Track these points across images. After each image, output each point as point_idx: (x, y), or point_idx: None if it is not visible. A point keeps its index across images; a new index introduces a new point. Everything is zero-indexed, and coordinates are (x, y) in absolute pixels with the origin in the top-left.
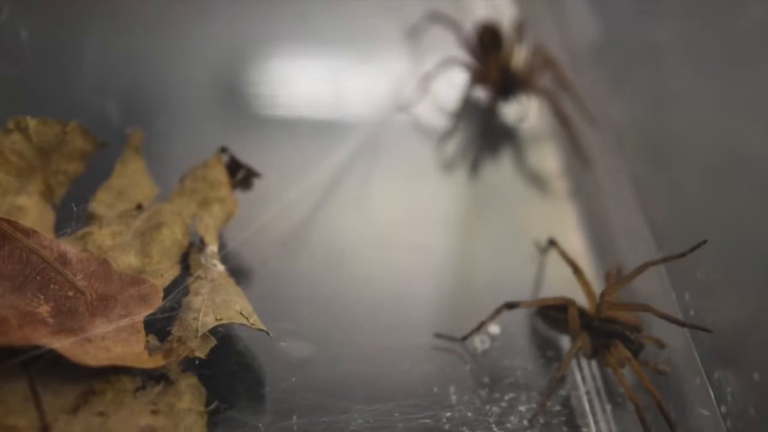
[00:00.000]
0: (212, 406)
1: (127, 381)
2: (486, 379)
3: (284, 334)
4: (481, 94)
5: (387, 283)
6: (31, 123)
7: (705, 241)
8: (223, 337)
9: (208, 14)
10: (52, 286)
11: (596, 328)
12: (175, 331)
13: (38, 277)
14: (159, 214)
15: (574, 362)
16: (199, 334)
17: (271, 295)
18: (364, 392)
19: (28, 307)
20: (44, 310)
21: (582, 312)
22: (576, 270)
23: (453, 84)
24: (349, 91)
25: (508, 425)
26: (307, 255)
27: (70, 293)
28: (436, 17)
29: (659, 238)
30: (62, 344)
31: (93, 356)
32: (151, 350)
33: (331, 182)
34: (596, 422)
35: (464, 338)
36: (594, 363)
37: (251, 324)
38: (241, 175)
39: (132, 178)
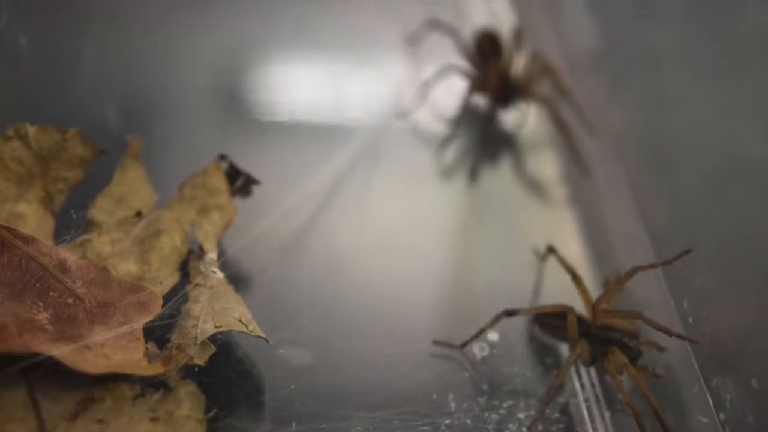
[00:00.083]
0: (211, 414)
1: (127, 388)
2: (485, 387)
3: (283, 341)
4: (481, 101)
5: (386, 290)
6: (31, 130)
7: (689, 250)
8: (223, 345)
9: (207, 20)
10: (51, 294)
11: (594, 335)
12: (175, 338)
13: (37, 285)
14: (158, 222)
15: (572, 369)
16: (199, 342)
17: (270, 302)
18: (363, 399)
19: (27, 315)
20: (43, 317)
21: (580, 319)
22: (575, 277)
23: (452, 91)
24: (349, 96)
25: None
26: (306, 262)
27: (70, 300)
28: (435, 24)
29: (658, 244)
30: (61, 351)
31: (92, 363)
32: (150, 357)
33: (330, 188)
34: (595, 429)
35: (463, 345)
36: (593, 370)
37: (250, 331)
38: (240, 183)
39: (131, 186)
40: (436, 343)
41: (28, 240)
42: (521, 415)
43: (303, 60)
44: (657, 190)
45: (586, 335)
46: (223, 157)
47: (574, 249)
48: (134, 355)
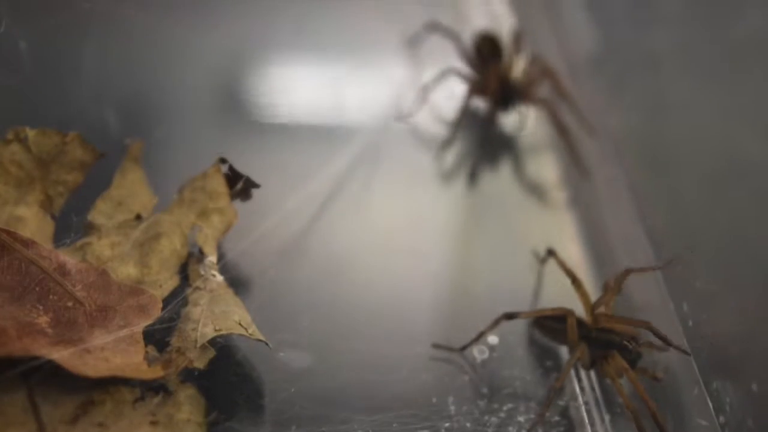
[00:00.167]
0: (211, 417)
1: (127, 392)
2: (485, 390)
3: (283, 344)
4: (480, 103)
5: (386, 293)
6: (31, 133)
7: (672, 261)
8: (222, 348)
9: (207, 22)
10: (51, 297)
11: (594, 338)
12: (174, 341)
13: (37, 288)
14: (158, 225)
15: (572, 372)
16: (198, 345)
17: (270, 304)
18: (363, 402)
19: (27, 318)
20: (43, 320)
21: (580, 323)
22: (574, 280)
23: (452, 94)
24: (348, 99)
25: None
26: (306, 264)
27: (69, 304)
28: (435, 27)
29: (658, 247)
30: (61, 355)
31: (92, 367)
32: (150, 361)
33: (330, 191)
34: None
35: (463, 348)
36: (592, 373)
37: (250, 334)
38: (240, 186)
39: (131, 189)
40: (436, 346)
41: (27, 243)
42: (521, 418)
43: (303, 62)
44: (656, 193)
45: (586, 338)
46: (223, 160)
47: (573, 251)
48: (134, 359)
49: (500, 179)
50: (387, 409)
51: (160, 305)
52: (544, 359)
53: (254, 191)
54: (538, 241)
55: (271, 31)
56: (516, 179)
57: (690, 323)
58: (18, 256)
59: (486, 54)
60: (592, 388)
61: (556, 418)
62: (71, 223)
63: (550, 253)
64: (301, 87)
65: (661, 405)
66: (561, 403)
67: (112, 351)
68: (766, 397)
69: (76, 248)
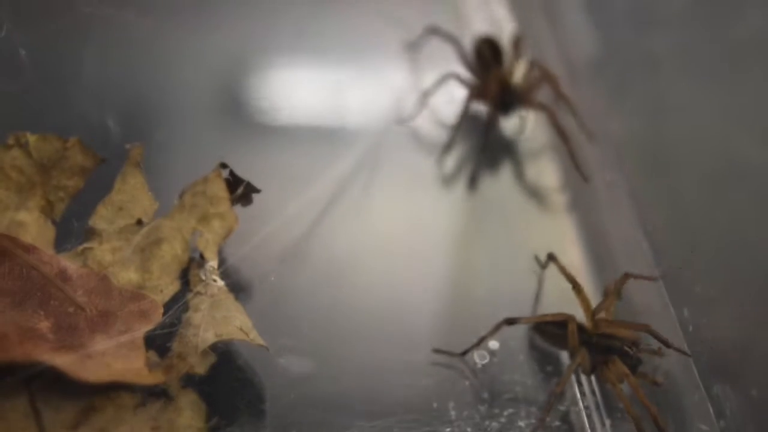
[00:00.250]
0: (212, 423)
1: (128, 397)
2: (485, 395)
3: (284, 349)
4: (481, 107)
5: (386, 298)
6: (32, 139)
7: (658, 277)
8: (223, 353)
9: (207, 26)
10: (52, 302)
11: (595, 344)
12: (175, 347)
13: (38, 293)
14: (159, 230)
15: (573, 377)
16: (199, 350)
17: (270, 310)
18: (363, 407)
19: (28, 323)
20: (44, 326)
21: (581, 328)
22: (575, 286)
23: (453, 98)
24: (349, 102)
25: None
26: (307, 270)
27: (71, 309)
28: (435, 31)
29: (657, 251)
30: (63, 360)
31: (93, 372)
32: (151, 366)
33: (330, 195)
34: None
35: (464, 353)
36: (593, 378)
37: (251, 340)
38: (240, 191)
39: (132, 194)
40: (437, 351)
41: (29, 249)
42: (522, 423)
43: (303, 66)
44: (657, 197)
45: (587, 344)
46: (223, 165)
47: (574, 255)
48: (135, 364)
49: (501, 184)
50: (388, 414)
51: (161, 310)
52: (545, 364)
53: (255, 196)
54: (538, 245)
55: (272, 35)
56: (516, 183)
57: (690, 328)
58: (19, 261)
59: (486, 58)
60: (593, 393)
61: (557, 423)
62: (72, 228)
63: (551, 258)
64: (301, 91)
65: (662, 410)
66: (562, 408)
67: (114, 356)
68: (766, 402)
69: (77, 253)
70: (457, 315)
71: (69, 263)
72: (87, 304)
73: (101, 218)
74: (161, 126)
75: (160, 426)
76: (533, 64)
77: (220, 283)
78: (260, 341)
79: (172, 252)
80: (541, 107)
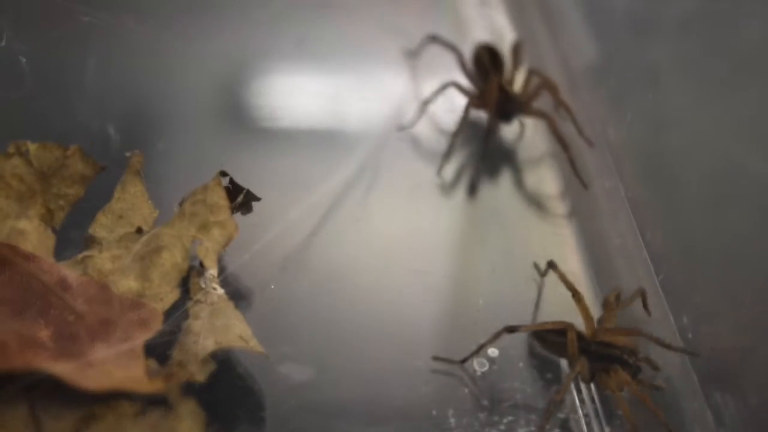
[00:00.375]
0: (212, 430)
1: (128, 405)
2: (485, 402)
3: (284, 357)
4: (481, 115)
5: (386, 305)
6: (32, 147)
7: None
8: (223, 361)
9: (207, 34)
10: (52, 311)
11: (594, 352)
12: (175, 355)
13: (39, 302)
14: (159, 238)
15: (572, 385)
16: (199, 358)
17: (270, 318)
18: (363, 415)
19: (28, 332)
20: (45, 334)
21: (580, 336)
22: (575, 294)
23: (453, 106)
24: (350, 110)
25: None
26: (307, 277)
27: (71, 318)
28: (435, 40)
29: (657, 260)
30: (63, 369)
31: (93, 381)
32: (151, 374)
33: (330, 203)
34: None
35: (463, 361)
36: (593, 385)
37: (251, 347)
38: (240, 199)
39: (132, 202)
40: (436, 358)
41: (29, 257)
42: (521, 431)
43: (303, 73)
44: (657, 205)
45: (586, 352)
46: (223, 173)
47: (573, 263)
48: (135, 372)
49: (500, 191)
50: (387, 421)
51: (161, 319)
52: (545, 372)
53: (255, 204)
54: (538, 253)
55: (272, 42)
56: (516, 191)
57: (690, 336)
58: (19, 270)
59: (485, 66)
60: (592, 401)
61: (556, 430)
62: (72, 236)
63: (551, 265)
64: (301, 98)
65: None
66: (561, 415)
67: (113, 364)
68: (765, 410)
69: (77, 261)
70: (456, 322)
71: (69, 271)
72: (87, 313)
73: (101, 226)
74: (161, 134)
75: None
76: (533, 72)
77: (220, 291)
78: (260, 349)
79: (172, 260)
80: (541, 115)
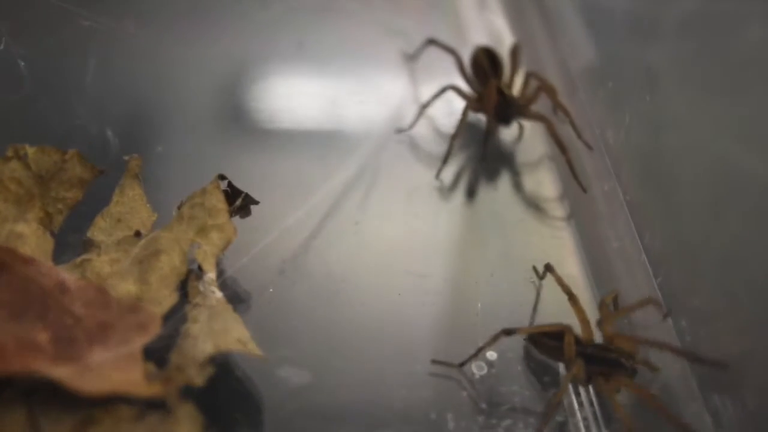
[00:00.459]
0: None
1: (126, 409)
2: (483, 405)
3: (282, 360)
4: (479, 118)
5: (385, 308)
6: (30, 151)
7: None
8: (221, 365)
9: (207, 38)
10: (50, 314)
11: (590, 355)
12: (174, 358)
13: (37, 305)
14: (157, 242)
15: (570, 388)
16: (198, 362)
17: (269, 321)
18: (362, 419)
19: (27, 335)
20: (43, 338)
21: (577, 339)
22: (571, 297)
23: (452, 110)
24: (349, 114)
25: None
26: (305, 281)
27: (69, 321)
28: (434, 43)
29: (655, 263)
30: (61, 372)
31: (92, 384)
32: (149, 378)
33: (328, 206)
34: None
35: (462, 364)
36: (591, 388)
37: (249, 351)
38: (239, 202)
39: (130, 205)
40: (435, 362)
41: (27, 261)
42: None
43: (302, 76)
44: (655, 208)
45: (582, 355)
46: (222, 177)
47: (572, 266)
48: (133, 376)
49: (499, 194)
50: (386, 425)
51: (160, 322)
52: (543, 375)
53: (253, 207)
54: (536, 255)
55: (272, 46)
56: (515, 194)
57: (688, 338)
58: (18, 273)
59: (484, 69)
60: (591, 404)
61: None
62: (71, 240)
63: (548, 268)
64: (300, 101)
65: (660, 420)
66: (560, 418)
67: (112, 368)
68: (764, 413)
69: (76, 265)
70: (455, 325)
71: (67, 275)
72: (85, 316)
73: (100, 230)
74: (160, 137)
75: None
76: (531, 75)
77: (219, 294)
78: (259, 352)
79: (170, 264)
80: (540, 118)
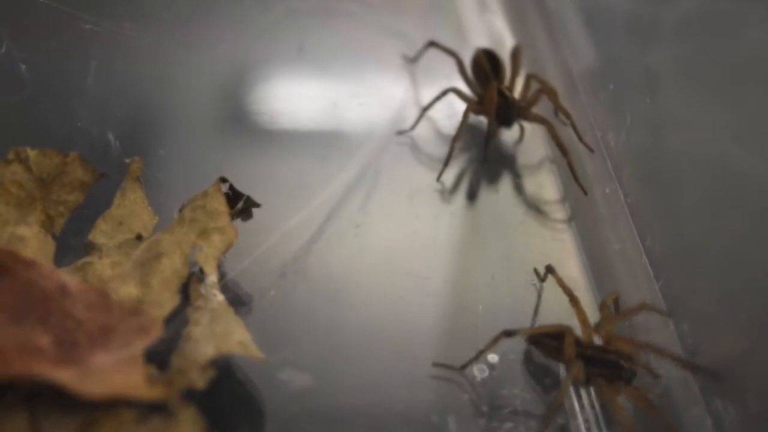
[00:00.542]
0: None
1: (128, 412)
2: (485, 408)
3: (284, 363)
4: (480, 120)
5: (386, 311)
6: (32, 154)
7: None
8: (223, 368)
9: (207, 41)
10: (52, 318)
11: (590, 356)
12: (175, 361)
13: (38, 309)
14: (159, 245)
15: (572, 390)
16: (199, 365)
17: (270, 324)
18: (363, 422)
19: (28, 339)
20: (44, 341)
21: (577, 340)
22: (572, 298)
23: (453, 111)
24: (350, 116)
25: None
26: (306, 283)
27: (71, 324)
28: (435, 45)
29: (657, 265)
30: (63, 375)
31: (93, 387)
32: (151, 381)
33: (330, 209)
34: None
35: (463, 367)
36: (592, 390)
37: (251, 354)
38: (240, 205)
39: (131, 208)
40: (436, 365)
41: (28, 264)
42: None
43: (303, 79)
44: (656, 210)
45: (582, 356)
46: (223, 179)
47: (573, 268)
48: (135, 379)
49: (500, 196)
50: (387, 428)
51: (161, 325)
52: (544, 377)
53: (255, 210)
54: (538, 258)
55: (273, 49)
56: (516, 196)
57: (690, 341)
58: (19, 276)
59: (485, 71)
60: (592, 406)
61: None
62: (72, 243)
63: (549, 270)
64: (301, 104)
65: (660, 425)
66: (561, 421)
67: (113, 371)
68: (765, 417)
69: (77, 268)
70: (456, 328)
71: (69, 278)
72: (87, 319)
73: (101, 233)
74: (161, 140)
75: None
76: (532, 77)
77: (220, 297)
78: (260, 355)
79: (171, 266)
80: (541, 120)
